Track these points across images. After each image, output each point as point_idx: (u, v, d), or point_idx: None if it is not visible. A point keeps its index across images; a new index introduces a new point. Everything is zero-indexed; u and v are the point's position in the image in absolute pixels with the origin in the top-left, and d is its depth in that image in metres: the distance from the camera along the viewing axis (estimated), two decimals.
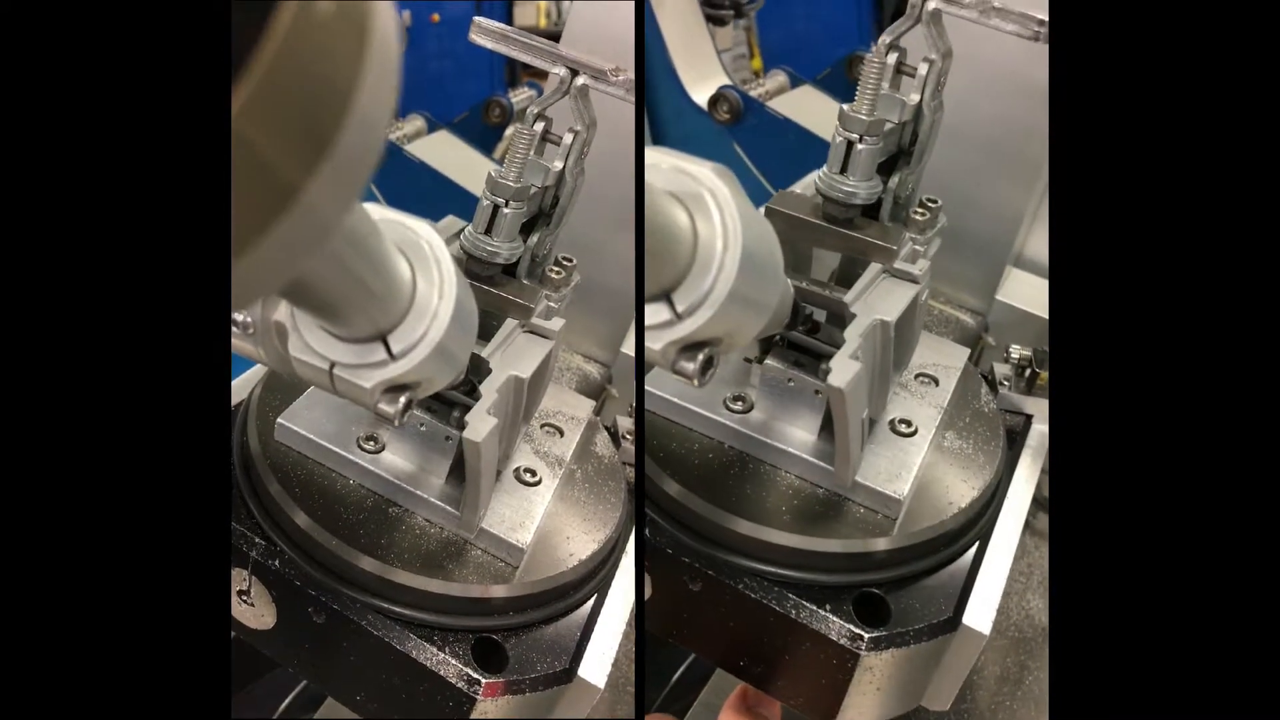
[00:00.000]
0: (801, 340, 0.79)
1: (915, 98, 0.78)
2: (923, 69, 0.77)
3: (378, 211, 0.48)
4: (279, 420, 0.81)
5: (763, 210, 0.79)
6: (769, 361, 0.79)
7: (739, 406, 0.81)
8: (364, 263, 0.42)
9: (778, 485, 0.78)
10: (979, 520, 0.82)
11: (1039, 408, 0.94)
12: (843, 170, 0.77)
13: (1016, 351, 0.98)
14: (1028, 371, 0.97)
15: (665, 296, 0.45)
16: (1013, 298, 1.08)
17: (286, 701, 1.32)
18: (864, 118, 0.76)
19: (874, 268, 0.78)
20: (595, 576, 0.83)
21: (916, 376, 0.88)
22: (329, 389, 0.52)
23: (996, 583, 0.77)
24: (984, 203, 1.03)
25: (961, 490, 0.80)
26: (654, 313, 0.46)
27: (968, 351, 0.93)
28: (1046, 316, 1.07)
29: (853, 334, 0.71)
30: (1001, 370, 0.98)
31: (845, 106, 0.77)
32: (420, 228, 0.48)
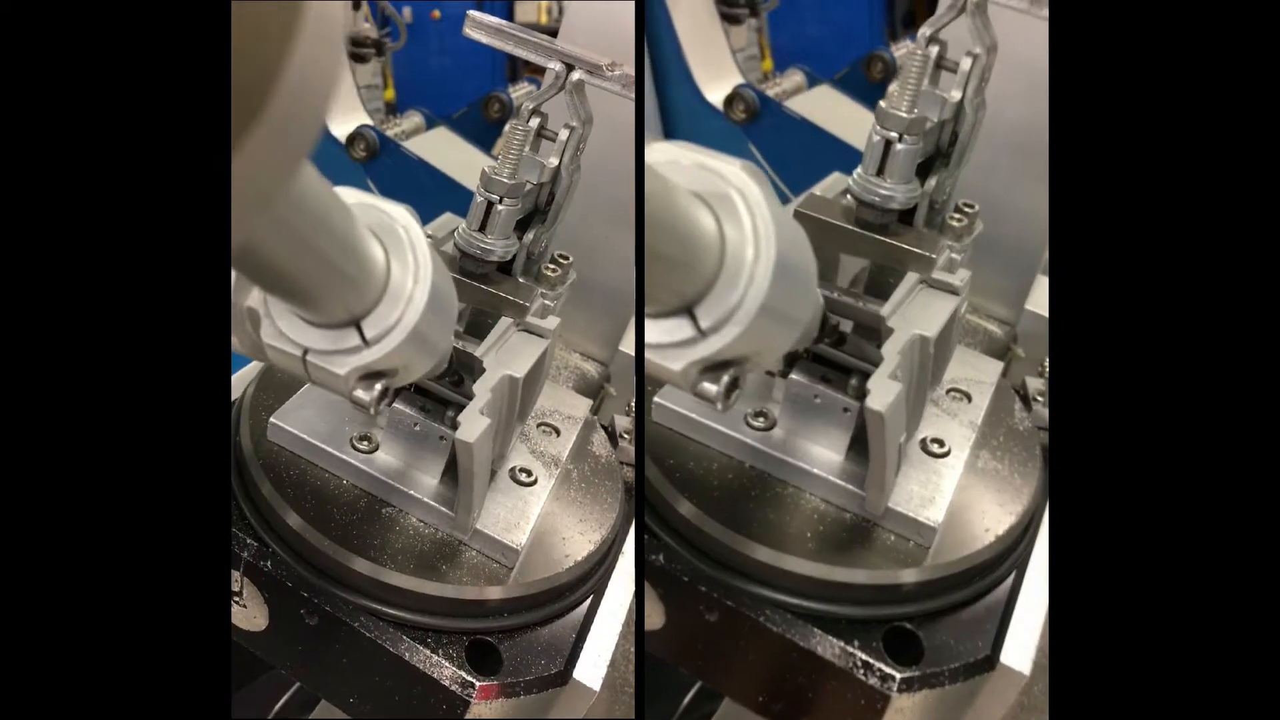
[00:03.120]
0: (828, 353, 0.74)
1: (956, 95, 0.72)
2: (965, 64, 0.71)
3: (355, 196, 0.47)
4: (271, 420, 0.80)
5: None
6: (794, 376, 0.74)
7: (760, 423, 0.75)
8: (334, 245, 0.41)
9: (801, 509, 0.73)
10: (1017, 548, 0.76)
11: None
12: (879, 172, 0.72)
13: None
14: None
15: (688, 311, 0.41)
16: (1043, 307, 1.01)
17: (283, 700, 1.31)
18: (904, 115, 0.70)
19: (911, 278, 0.73)
20: (591, 578, 0.82)
21: (948, 392, 0.82)
22: (303, 376, 0.51)
23: (1036, 616, 0.71)
24: (1013, 208, 0.96)
25: (998, 515, 0.74)
26: (675, 329, 0.42)
27: (1001, 365, 0.88)
28: None
29: (891, 351, 0.66)
30: (1035, 385, 0.91)
31: (883, 103, 0.71)
32: (396, 212, 0.47)
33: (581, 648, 0.76)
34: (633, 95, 0.75)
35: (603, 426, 0.97)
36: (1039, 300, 1.02)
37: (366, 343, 0.46)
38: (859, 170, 0.73)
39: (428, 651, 0.73)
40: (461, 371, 0.76)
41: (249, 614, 0.77)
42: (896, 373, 0.64)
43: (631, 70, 0.74)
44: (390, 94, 2.05)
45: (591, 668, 0.76)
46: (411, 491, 0.77)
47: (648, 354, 0.44)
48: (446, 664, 0.73)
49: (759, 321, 0.42)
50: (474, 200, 0.73)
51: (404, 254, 0.47)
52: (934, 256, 0.72)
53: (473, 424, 0.66)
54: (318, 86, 0.29)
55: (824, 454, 0.74)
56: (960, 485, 0.75)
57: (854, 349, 0.73)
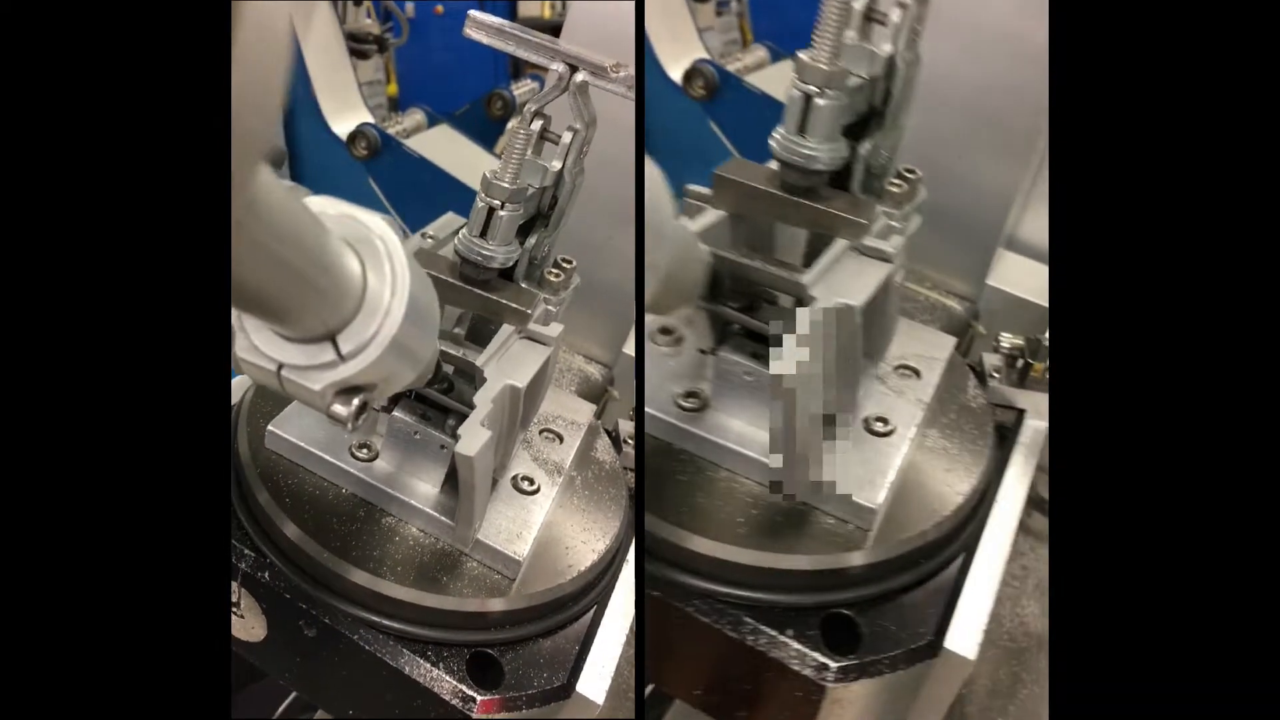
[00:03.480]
0: (759, 327, 0.69)
1: (887, 48, 0.67)
2: (895, 15, 0.66)
3: (332, 205, 0.46)
4: (269, 428, 0.79)
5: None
6: (724, 353, 0.70)
7: (692, 404, 0.71)
8: (302, 257, 0.40)
9: (735, 494, 0.69)
10: (965, 529, 0.73)
11: (1033, 401, 0.84)
12: (801, 130, 0.66)
13: (1008, 340, 0.88)
14: (1020, 362, 0.87)
15: (330, 338, 0.46)
16: (1005, 282, 0.99)
17: (287, 702, 1.31)
18: (824, 67, 0.64)
19: (838, 244, 0.67)
20: (595, 588, 0.81)
21: (896, 369, 0.78)
22: (279, 391, 0.50)
23: (984, 600, 0.68)
24: (971, 177, 0.93)
25: (945, 495, 0.71)
26: (317, 353, 0.47)
27: (953, 340, 0.84)
28: (1041, 303, 0.98)
29: (803, 321, 0.60)
30: (991, 361, 0.88)
31: (802, 54, 0.65)
32: (373, 222, 0.46)
33: (585, 659, 0.75)
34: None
35: (606, 431, 0.95)
36: (1001, 275, 0.99)
37: (342, 357, 0.45)
38: (779, 129, 0.67)
39: (428, 665, 0.72)
40: (459, 381, 0.75)
41: (247, 624, 0.76)
42: (809, 339, 0.59)
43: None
44: (393, 89, 2.03)
45: (595, 680, 0.74)
46: (411, 501, 0.76)
47: (287, 374, 0.48)
48: (447, 677, 0.72)
49: (390, 352, 0.47)
50: (475, 205, 0.72)
51: (380, 265, 0.46)
52: (865, 222, 0.67)
53: (473, 436, 0.64)
54: (264, 103, 0.29)
55: (758, 435, 0.70)
56: (905, 465, 0.72)
57: (777, 319, 0.67)
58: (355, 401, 0.48)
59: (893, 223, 0.70)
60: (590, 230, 0.97)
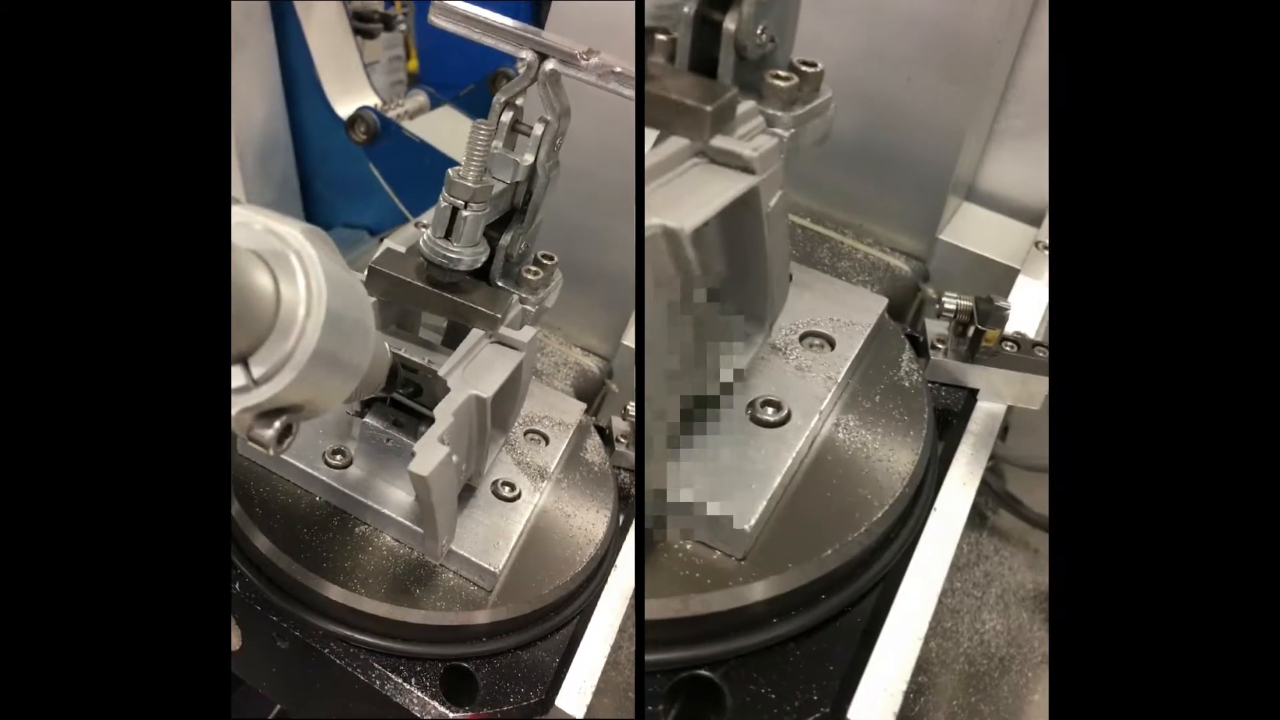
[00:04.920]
0: (410, 404, 0.72)
1: (529, 158, 0.69)
2: (538, 128, 0.70)
3: (257, 217, 0.43)
4: None
5: None
6: (369, 419, 0.73)
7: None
8: None
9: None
10: (889, 545, 0.58)
11: (986, 379, 0.69)
12: (447, 236, 0.69)
13: (952, 302, 0.69)
14: (970, 330, 0.69)
15: (242, 361, 0.44)
16: (962, 237, 0.83)
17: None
18: (470, 184, 0.67)
19: (677, 147, 0.54)
20: (578, 598, 0.78)
21: (804, 338, 0.65)
22: None
23: (908, 645, 0.51)
24: (914, 110, 0.77)
25: (857, 504, 0.56)
26: (230, 377, 0.44)
27: (884, 302, 0.69)
28: (1005, 261, 0.83)
29: (443, 415, 0.57)
30: (935, 329, 0.71)
31: (452, 171, 0.68)
32: (290, 236, 0.43)
33: (565, 673, 0.72)
34: (610, 85, 0.69)
35: (599, 428, 0.92)
36: (957, 229, 0.85)
37: (255, 381, 0.42)
38: (429, 232, 0.70)
39: (399, 680, 0.70)
40: (433, 383, 0.72)
41: None
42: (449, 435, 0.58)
43: (609, 58, 0.68)
44: (413, 64, 1.99)
45: (574, 694, 0.71)
46: (384, 509, 0.74)
47: None
48: (418, 692, 0.70)
49: (310, 371, 0.44)
50: (438, 205, 0.68)
51: (295, 281, 0.43)
52: (499, 317, 0.66)
53: (428, 455, 0.61)
54: None
55: None
56: (804, 465, 0.58)
57: None
58: (276, 425, 0.45)
59: (779, 130, 0.57)
60: (591, 216, 0.94)
